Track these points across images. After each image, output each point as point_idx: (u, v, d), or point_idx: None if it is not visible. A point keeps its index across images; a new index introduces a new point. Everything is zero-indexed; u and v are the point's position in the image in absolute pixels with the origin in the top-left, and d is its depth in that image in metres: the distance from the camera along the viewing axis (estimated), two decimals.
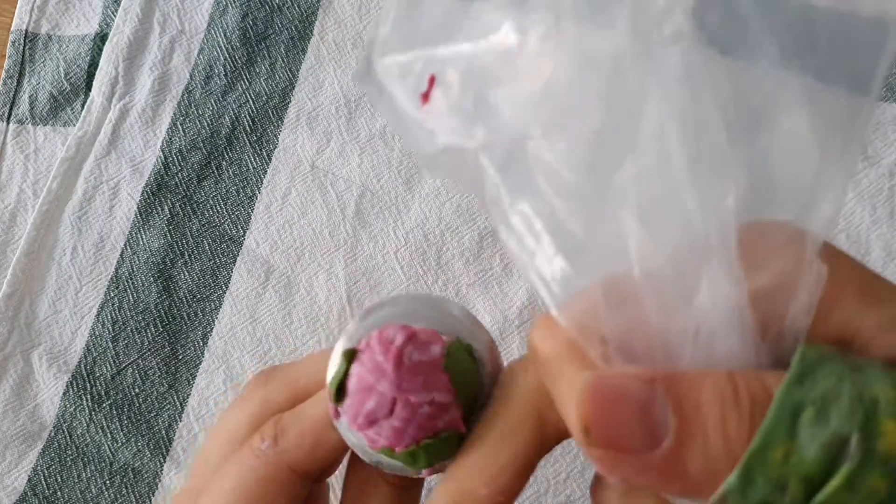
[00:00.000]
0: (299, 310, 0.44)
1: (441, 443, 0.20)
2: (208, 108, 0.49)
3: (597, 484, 0.19)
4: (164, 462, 0.41)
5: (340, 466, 0.25)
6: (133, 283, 0.45)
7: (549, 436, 0.19)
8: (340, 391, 0.20)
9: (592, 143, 0.17)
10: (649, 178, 0.16)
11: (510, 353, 0.42)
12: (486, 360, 0.21)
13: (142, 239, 0.46)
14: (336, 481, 0.26)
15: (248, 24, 0.50)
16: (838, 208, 0.16)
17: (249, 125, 0.48)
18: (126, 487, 0.41)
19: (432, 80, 0.19)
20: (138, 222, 0.47)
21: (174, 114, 0.49)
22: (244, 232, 0.46)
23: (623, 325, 0.16)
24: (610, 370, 0.16)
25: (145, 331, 0.44)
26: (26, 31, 0.52)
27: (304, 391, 0.24)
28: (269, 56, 0.50)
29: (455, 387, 0.20)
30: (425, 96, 0.19)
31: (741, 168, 0.16)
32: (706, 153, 0.16)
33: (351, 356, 0.20)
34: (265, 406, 0.24)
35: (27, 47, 0.52)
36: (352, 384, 0.20)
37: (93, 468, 0.42)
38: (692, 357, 0.16)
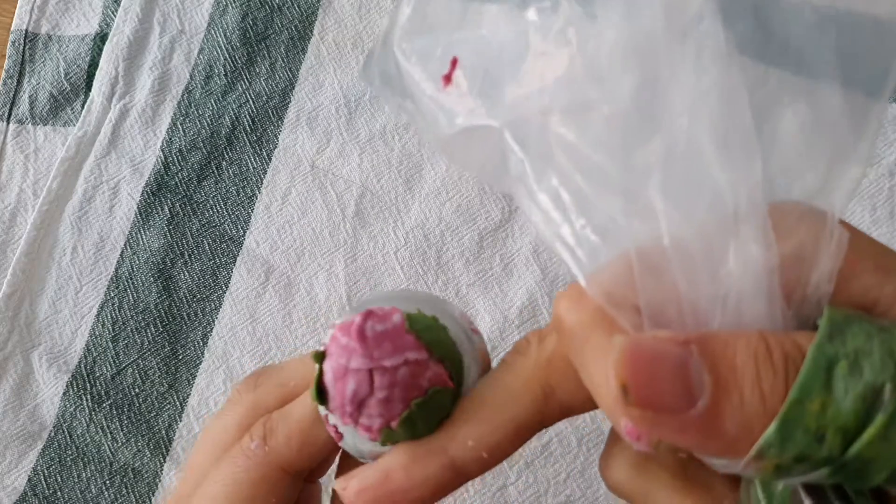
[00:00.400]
0: (299, 310, 0.44)
1: (433, 399, 0.20)
2: (208, 108, 0.49)
3: (607, 458, 0.20)
4: (164, 462, 0.41)
5: (332, 466, 0.25)
6: (133, 283, 0.45)
7: (552, 409, 0.19)
8: (321, 392, 0.20)
9: (614, 123, 0.17)
10: (676, 155, 0.16)
11: None
12: (454, 324, 0.21)
13: (142, 239, 0.46)
14: (329, 481, 0.26)
15: (248, 24, 0.50)
16: (854, 189, 0.16)
17: (249, 125, 0.48)
18: (126, 487, 0.41)
19: (454, 63, 0.19)
20: (138, 222, 0.47)
21: (174, 114, 0.49)
22: (244, 232, 0.46)
23: (654, 293, 0.16)
24: (644, 334, 0.16)
25: (145, 331, 0.44)
26: (26, 31, 0.52)
27: (294, 393, 0.24)
28: (269, 56, 0.50)
29: (426, 344, 0.20)
30: (447, 78, 0.19)
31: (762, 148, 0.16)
32: (735, 131, 0.16)
33: (321, 357, 0.20)
34: (255, 409, 0.24)
35: (27, 47, 0.52)
36: (328, 378, 0.20)
37: (93, 468, 0.42)
38: (721, 323, 0.16)
